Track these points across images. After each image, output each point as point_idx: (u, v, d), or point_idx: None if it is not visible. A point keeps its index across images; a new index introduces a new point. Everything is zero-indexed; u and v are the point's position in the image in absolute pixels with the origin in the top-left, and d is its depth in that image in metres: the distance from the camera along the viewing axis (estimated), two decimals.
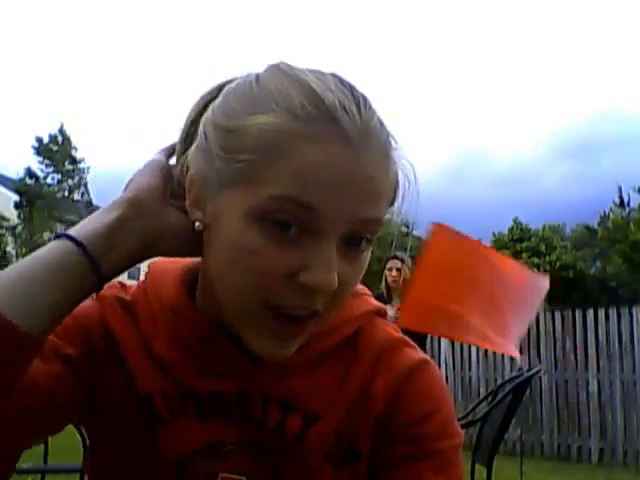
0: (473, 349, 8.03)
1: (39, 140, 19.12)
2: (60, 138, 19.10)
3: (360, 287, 0.77)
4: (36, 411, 0.67)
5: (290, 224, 0.59)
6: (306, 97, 0.59)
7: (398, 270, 4.36)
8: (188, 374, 0.71)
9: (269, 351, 0.64)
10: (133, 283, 0.77)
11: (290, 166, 0.58)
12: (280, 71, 0.63)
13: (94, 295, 0.71)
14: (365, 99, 0.63)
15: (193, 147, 0.66)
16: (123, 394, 0.72)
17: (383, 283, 4.42)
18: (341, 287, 0.61)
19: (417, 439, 0.70)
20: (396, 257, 4.47)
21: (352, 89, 0.63)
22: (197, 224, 0.65)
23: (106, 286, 0.70)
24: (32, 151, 19.00)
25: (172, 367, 0.72)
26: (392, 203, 0.68)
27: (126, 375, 0.72)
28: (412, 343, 0.77)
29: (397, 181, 0.66)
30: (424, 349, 4.64)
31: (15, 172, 19.72)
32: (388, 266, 4.41)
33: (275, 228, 0.59)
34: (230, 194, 0.61)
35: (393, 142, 0.65)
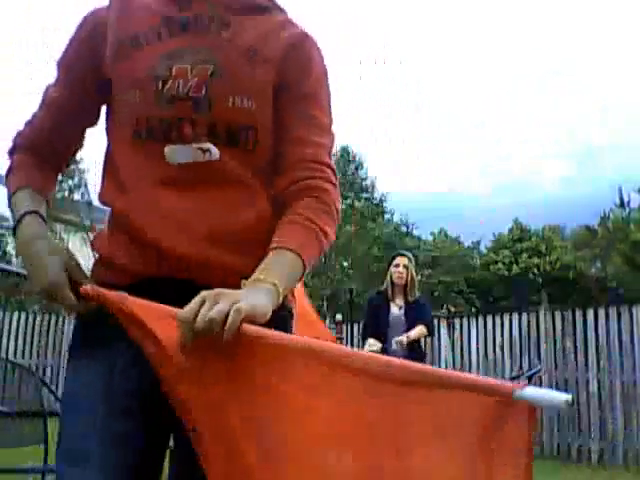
0: (473, 349, 8.04)
1: None
2: None
3: None
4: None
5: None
6: None
7: (405, 267, 4.35)
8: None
9: None
10: None
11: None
12: None
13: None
14: None
15: None
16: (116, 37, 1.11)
17: (388, 280, 4.39)
18: None
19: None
20: (403, 254, 4.48)
21: None
22: None
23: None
24: None
25: (144, 25, 1.10)
26: None
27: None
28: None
29: None
30: (423, 351, 4.65)
31: None
32: (395, 262, 4.39)
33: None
34: None
35: None
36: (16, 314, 10.43)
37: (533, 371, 3.38)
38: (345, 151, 23.10)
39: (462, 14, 50.84)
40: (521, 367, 7.34)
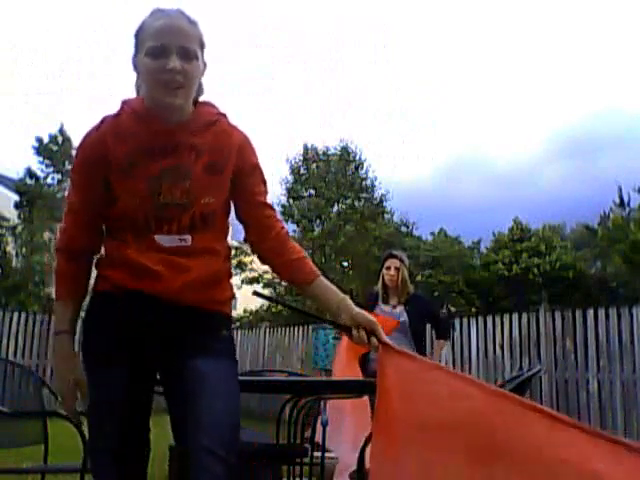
0: (473, 349, 8.04)
1: (39, 140, 19.12)
2: (60, 138, 19.11)
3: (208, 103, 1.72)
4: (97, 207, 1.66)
5: (157, 51, 1.55)
6: (157, 10, 1.62)
7: (397, 269, 4.29)
8: (144, 153, 1.60)
9: (169, 100, 1.56)
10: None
11: (150, 33, 1.59)
12: (156, 8, 1.63)
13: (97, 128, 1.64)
14: (186, 14, 1.63)
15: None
16: (117, 164, 1.60)
17: (380, 282, 4.35)
18: (186, 72, 1.56)
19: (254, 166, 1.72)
20: (395, 256, 4.40)
21: (180, 10, 1.63)
22: (137, 74, 1.65)
23: (101, 122, 1.64)
24: (32, 151, 19.02)
25: (134, 150, 1.60)
26: (202, 48, 1.63)
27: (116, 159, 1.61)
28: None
29: (201, 37, 1.64)
30: (423, 349, 4.62)
31: (15, 172, 19.70)
32: (386, 265, 4.33)
33: (153, 55, 1.56)
34: (140, 53, 1.60)
35: (196, 22, 1.63)
36: (16, 314, 10.42)
37: (533, 371, 3.37)
38: (345, 151, 23.07)
39: (466, 14, 50.79)
40: (521, 367, 7.33)
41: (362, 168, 23.11)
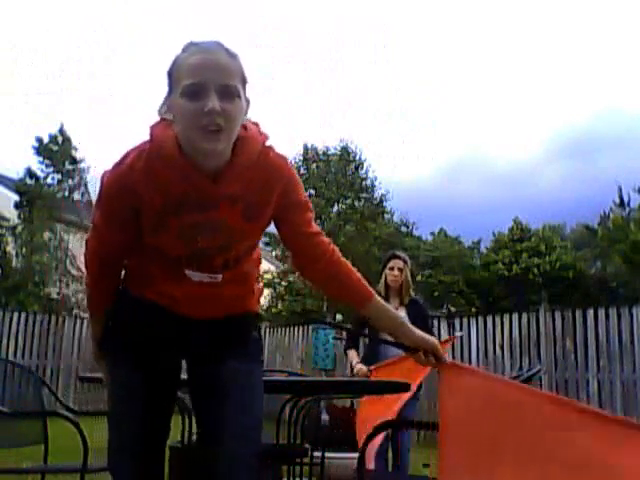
0: (473, 349, 8.04)
1: (39, 140, 19.09)
2: (60, 138, 19.09)
3: (251, 126, 1.52)
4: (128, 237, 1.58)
5: (194, 91, 1.39)
6: (192, 45, 1.45)
7: (400, 270, 4.29)
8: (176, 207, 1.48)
9: (208, 146, 1.40)
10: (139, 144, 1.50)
11: (185, 70, 1.41)
12: (190, 42, 1.47)
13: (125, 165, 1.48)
14: (225, 46, 1.45)
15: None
16: (150, 210, 1.49)
17: (382, 282, 4.34)
18: (227, 113, 1.39)
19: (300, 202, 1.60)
20: (398, 257, 4.39)
21: (218, 42, 1.46)
22: (171, 116, 1.45)
23: (124, 157, 1.48)
24: (32, 151, 18.99)
25: (168, 201, 1.47)
26: (244, 83, 1.47)
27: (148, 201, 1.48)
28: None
29: (242, 72, 1.46)
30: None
31: (15, 172, 19.66)
32: (390, 265, 4.31)
33: (190, 95, 1.39)
34: (174, 93, 1.43)
35: (236, 55, 1.46)
36: (16, 314, 10.42)
37: (533, 371, 3.37)
38: (345, 151, 23.07)
39: (466, 14, 50.78)
40: (521, 367, 7.33)
41: (362, 168, 23.11)
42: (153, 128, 1.48)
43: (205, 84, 1.38)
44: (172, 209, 1.47)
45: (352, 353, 4.22)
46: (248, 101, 1.49)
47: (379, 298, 1.63)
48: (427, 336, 1.62)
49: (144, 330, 1.60)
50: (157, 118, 1.52)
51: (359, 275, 1.64)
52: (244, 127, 1.48)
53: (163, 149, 1.44)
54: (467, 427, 1.52)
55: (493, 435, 1.45)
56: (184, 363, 1.70)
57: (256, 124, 1.54)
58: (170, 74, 1.46)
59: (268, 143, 1.54)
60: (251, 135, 1.50)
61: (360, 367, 4.00)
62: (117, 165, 1.49)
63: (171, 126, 1.45)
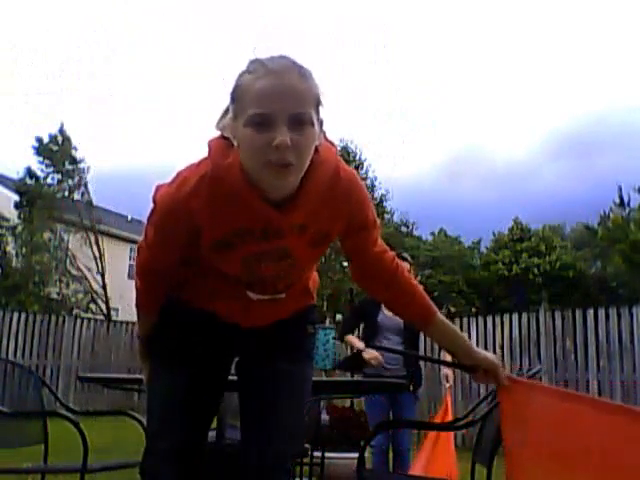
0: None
1: (39, 140, 19.09)
2: (60, 138, 19.09)
3: (327, 147, 1.39)
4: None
5: (262, 121, 1.24)
6: (259, 64, 1.29)
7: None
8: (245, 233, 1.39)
9: (277, 182, 1.28)
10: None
11: (252, 96, 1.26)
12: (254, 58, 1.32)
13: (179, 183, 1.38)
14: (296, 64, 1.29)
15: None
16: (210, 238, 1.40)
17: None
18: (298, 146, 1.25)
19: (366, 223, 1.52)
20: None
21: (287, 59, 1.30)
22: (235, 142, 1.30)
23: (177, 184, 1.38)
24: (32, 151, 19.00)
25: (232, 231, 1.38)
26: (318, 106, 1.31)
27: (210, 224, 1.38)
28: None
29: (316, 93, 1.30)
30: (417, 346, 4.63)
31: (15, 172, 19.67)
32: None
33: (257, 125, 1.25)
34: (239, 120, 1.28)
35: (308, 74, 1.29)
36: (16, 314, 10.41)
37: (533, 371, 3.37)
38: (345, 151, 23.06)
39: (466, 14, 50.78)
40: (521, 367, 7.33)
41: (362, 168, 23.09)
42: (212, 148, 1.35)
43: (274, 115, 1.23)
44: (236, 239, 1.38)
45: (352, 338, 4.24)
46: (322, 122, 1.34)
47: (443, 317, 1.59)
48: (489, 356, 1.56)
49: (192, 331, 1.56)
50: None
51: (423, 293, 1.58)
52: (316, 149, 1.33)
53: (227, 180, 1.32)
54: (533, 447, 1.46)
55: (560, 452, 1.38)
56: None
57: (327, 139, 1.40)
58: (234, 97, 1.31)
59: (337, 155, 1.43)
60: (324, 159, 1.36)
61: (371, 353, 3.98)
62: (176, 188, 1.37)
63: (232, 147, 1.32)
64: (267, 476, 1.46)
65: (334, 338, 9.50)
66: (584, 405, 1.40)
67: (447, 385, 4.46)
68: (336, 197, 1.39)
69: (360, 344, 4.09)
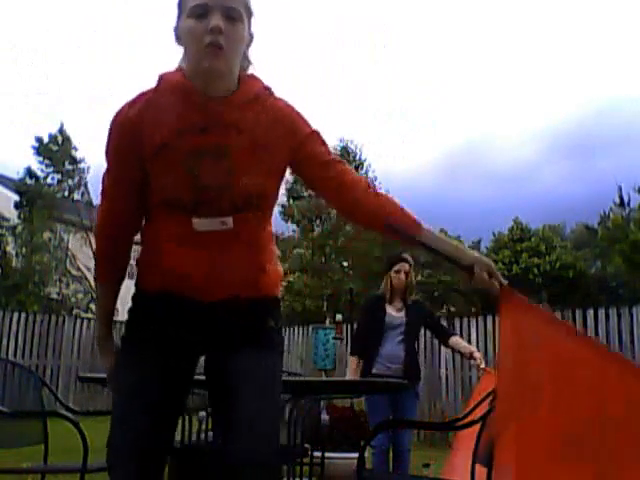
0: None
1: (39, 140, 19.10)
2: (60, 138, 19.10)
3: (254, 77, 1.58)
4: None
5: (200, 12, 1.44)
6: None
7: (406, 273, 4.31)
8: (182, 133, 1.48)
9: (209, 63, 1.43)
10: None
11: None
12: None
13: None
14: None
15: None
16: (151, 146, 1.48)
17: (387, 284, 4.33)
18: (229, 34, 1.44)
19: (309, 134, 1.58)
20: (406, 260, 4.39)
21: None
22: (181, 43, 1.51)
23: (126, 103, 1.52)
24: (32, 151, 19.02)
25: (169, 127, 1.48)
26: (248, 10, 1.51)
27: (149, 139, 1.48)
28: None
29: (246, 1, 1.51)
30: (417, 344, 4.63)
31: (15, 172, 19.70)
32: (396, 268, 4.30)
33: (196, 16, 1.45)
34: (182, 17, 1.49)
35: None
36: (16, 314, 10.42)
37: None
38: (345, 151, 23.06)
39: (466, 14, 50.76)
40: None
41: (362, 168, 23.09)
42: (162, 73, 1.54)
43: (210, 5, 1.45)
44: (175, 135, 1.46)
45: (352, 361, 4.24)
46: (252, 36, 1.54)
47: (428, 227, 1.62)
48: (481, 256, 1.61)
49: (156, 325, 1.55)
50: None
51: (402, 206, 1.64)
52: (245, 70, 1.55)
53: (167, 79, 1.51)
54: (521, 367, 1.44)
55: (540, 384, 1.38)
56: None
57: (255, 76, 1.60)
58: (179, 3, 1.52)
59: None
60: (252, 75, 1.57)
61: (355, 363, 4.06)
62: (122, 106, 1.52)
63: (182, 70, 1.52)
64: (245, 474, 1.44)
65: (334, 338, 9.51)
66: (577, 345, 1.39)
67: (477, 362, 4.40)
68: (270, 111, 1.53)
69: (353, 376, 4.12)
